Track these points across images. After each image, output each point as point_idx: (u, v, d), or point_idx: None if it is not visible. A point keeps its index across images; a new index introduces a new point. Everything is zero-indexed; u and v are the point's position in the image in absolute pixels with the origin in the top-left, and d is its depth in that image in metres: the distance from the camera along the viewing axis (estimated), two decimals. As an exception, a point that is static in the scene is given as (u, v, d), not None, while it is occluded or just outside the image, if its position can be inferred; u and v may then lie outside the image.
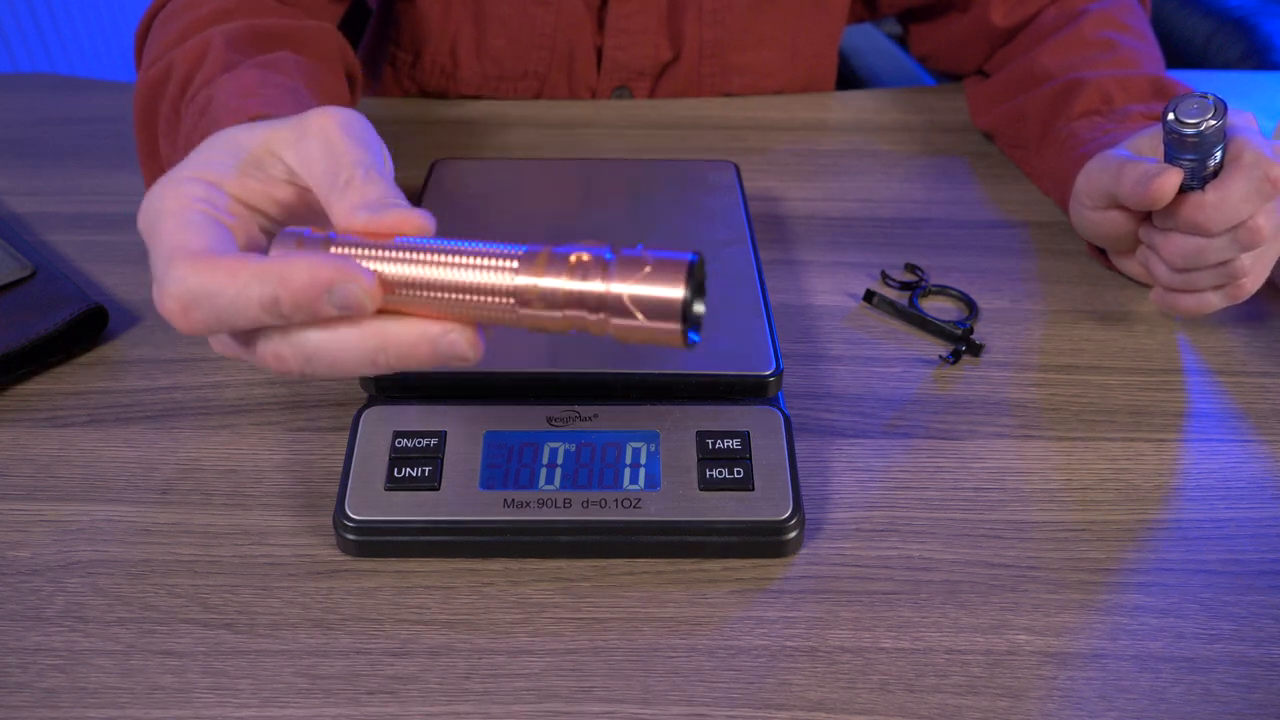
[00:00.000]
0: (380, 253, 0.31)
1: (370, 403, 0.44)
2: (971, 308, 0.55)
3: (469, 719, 0.35)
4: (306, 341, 0.31)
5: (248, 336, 0.32)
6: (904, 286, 0.56)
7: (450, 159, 0.60)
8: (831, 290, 0.57)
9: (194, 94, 0.48)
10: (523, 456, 0.42)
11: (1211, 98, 0.47)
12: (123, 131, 0.70)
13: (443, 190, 0.57)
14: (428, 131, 0.73)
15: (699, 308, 0.31)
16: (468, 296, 0.30)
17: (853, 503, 0.44)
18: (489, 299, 0.30)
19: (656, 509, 0.40)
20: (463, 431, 0.42)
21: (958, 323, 0.53)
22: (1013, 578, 0.41)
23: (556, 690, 0.36)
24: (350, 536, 0.40)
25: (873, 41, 1.12)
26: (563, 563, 0.41)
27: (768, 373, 0.44)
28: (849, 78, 1.25)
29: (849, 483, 0.45)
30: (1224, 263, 0.49)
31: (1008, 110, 0.69)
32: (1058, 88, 0.65)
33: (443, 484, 0.41)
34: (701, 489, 0.41)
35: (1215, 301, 0.51)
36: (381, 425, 0.42)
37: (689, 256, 0.29)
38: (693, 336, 0.30)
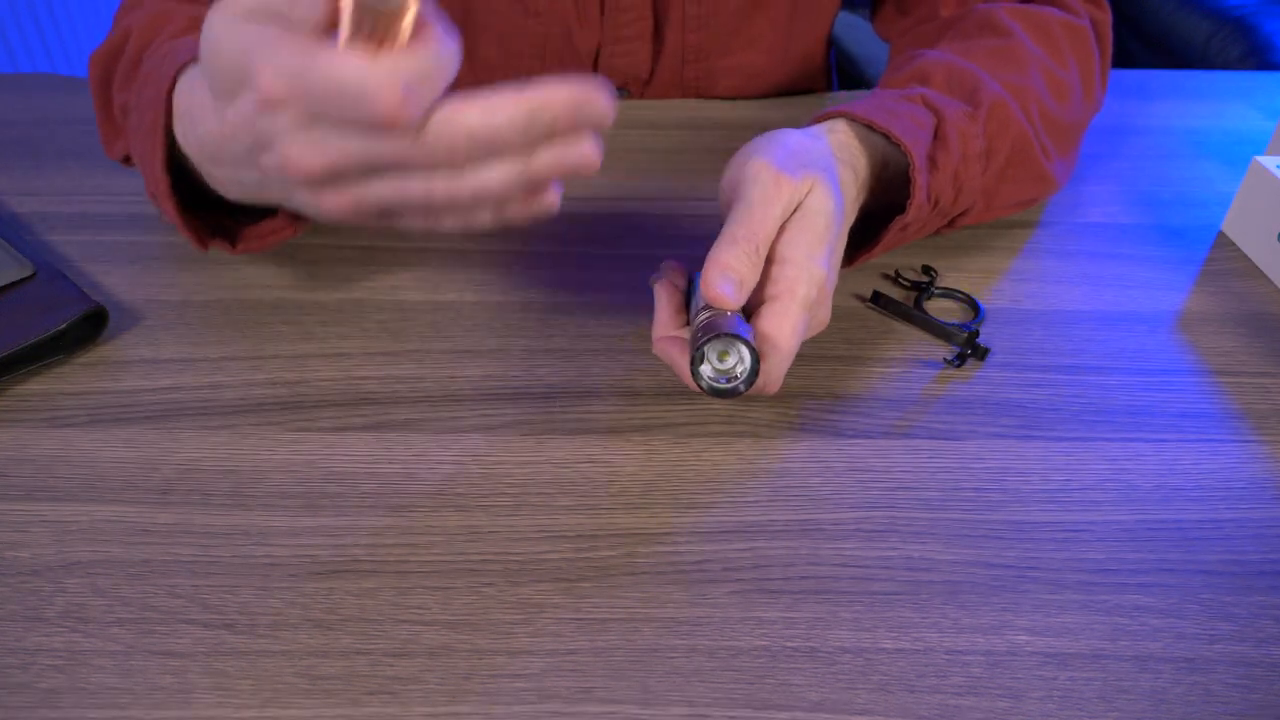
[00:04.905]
0: None
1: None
2: (977, 311, 0.55)
3: (469, 719, 0.35)
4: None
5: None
6: (915, 286, 0.56)
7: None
8: (837, 291, 0.57)
9: (159, 46, 0.49)
10: None
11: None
12: (123, 131, 0.70)
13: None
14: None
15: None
16: None
17: (853, 503, 0.44)
18: None
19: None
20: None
21: (963, 325, 0.53)
22: (1013, 578, 0.41)
23: (556, 690, 0.36)
24: None
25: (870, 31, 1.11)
26: (563, 563, 0.41)
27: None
28: (853, 75, 1.25)
29: (849, 483, 0.45)
30: None
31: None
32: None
33: None
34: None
35: None
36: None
37: None
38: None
